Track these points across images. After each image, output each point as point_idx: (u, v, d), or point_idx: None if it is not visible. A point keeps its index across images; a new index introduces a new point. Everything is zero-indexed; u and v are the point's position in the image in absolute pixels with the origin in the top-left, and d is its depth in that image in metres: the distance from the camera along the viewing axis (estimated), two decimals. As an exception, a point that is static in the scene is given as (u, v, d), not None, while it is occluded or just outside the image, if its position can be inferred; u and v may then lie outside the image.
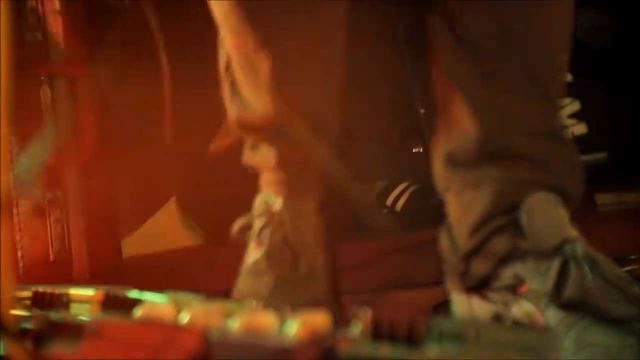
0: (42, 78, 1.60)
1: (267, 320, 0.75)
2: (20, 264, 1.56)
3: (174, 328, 0.76)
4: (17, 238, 1.57)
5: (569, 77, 2.22)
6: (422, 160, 2.10)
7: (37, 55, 1.59)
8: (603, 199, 2.07)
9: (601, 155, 2.19)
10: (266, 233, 1.31)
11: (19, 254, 1.57)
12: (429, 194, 2.07)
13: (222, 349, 0.72)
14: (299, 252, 1.29)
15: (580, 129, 2.21)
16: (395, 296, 1.43)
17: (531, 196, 1.18)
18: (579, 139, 2.19)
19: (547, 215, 1.19)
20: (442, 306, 1.35)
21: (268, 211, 1.31)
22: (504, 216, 1.18)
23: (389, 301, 1.41)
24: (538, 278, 1.14)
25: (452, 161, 1.24)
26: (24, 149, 1.58)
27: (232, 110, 1.34)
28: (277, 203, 1.31)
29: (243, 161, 1.37)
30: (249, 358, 0.71)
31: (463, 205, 1.22)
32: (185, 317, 0.78)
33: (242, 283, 1.30)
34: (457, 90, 1.23)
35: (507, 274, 1.16)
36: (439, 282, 1.48)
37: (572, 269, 1.15)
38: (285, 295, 1.25)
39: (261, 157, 1.33)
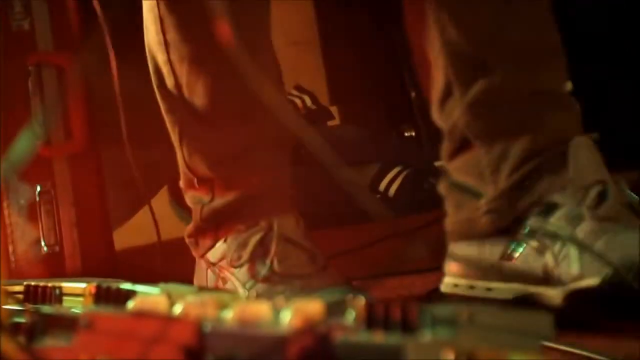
0: (29, 68, 1.59)
1: (260, 309, 0.74)
2: (12, 258, 1.56)
3: (168, 320, 0.75)
4: (8, 232, 1.57)
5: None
6: (415, 144, 2.10)
7: (24, 44, 1.58)
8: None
9: (594, 137, 2.19)
10: (264, 248, 1.32)
11: (10, 248, 1.56)
12: (422, 178, 2.07)
13: (216, 340, 0.72)
14: (312, 249, 1.32)
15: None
16: (388, 282, 1.43)
17: (577, 138, 1.34)
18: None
19: (590, 155, 1.34)
20: (436, 292, 1.35)
21: (260, 228, 1.32)
22: (540, 157, 1.29)
23: (382, 287, 1.41)
24: (575, 202, 1.23)
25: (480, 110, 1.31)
26: (12, 140, 1.57)
27: (195, 152, 1.36)
28: (265, 224, 1.33)
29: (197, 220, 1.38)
30: (244, 348, 0.70)
31: (498, 151, 1.31)
32: (178, 309, 0.78)
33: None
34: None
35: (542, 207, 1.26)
36: (432, 267, 1.48)
37: (611, 190, 1.26)
38: (310, 290, 1.27)
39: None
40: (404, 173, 2.10)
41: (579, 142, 1.34)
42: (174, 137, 1.37)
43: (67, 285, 0.99)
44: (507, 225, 1.27)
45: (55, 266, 1.57)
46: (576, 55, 2.22)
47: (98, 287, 0.91)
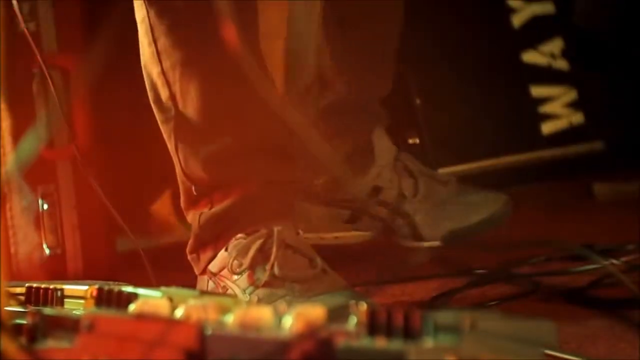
0: (34, 70, 1.59)
1: (262, 314, 0.74)
2: (14, 260, 1.56)
3: (169, 322, 0.75)
4: (10, 234, 1.56)
5: (565, 66, 2.22)
6: (418, 151, 2.10)
7: (29, 47, 1.58)
8: (600, 188, 2.07)
9: (598, 145, 2.19)
10: (264, 254, 1.32)
11: (12, 250, 1.56)
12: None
13: (218, 344, 0.72)
14: (311, 254, 1.34)
15: (577, 118, 2.20)
16: (390, 289, 1.43)
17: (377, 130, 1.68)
18: (576, 128, 2.19)
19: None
20: (439, 299, 1.34)
21: (260, 235, 1.33)
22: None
23: (383, 294, 1.41)
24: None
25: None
26: (16, 142, 1.57)
27: (191, 155, 1.36)
28: (265, 232, 1.34)
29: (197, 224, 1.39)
30: (245, 352, 0.70)
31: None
32: (180, 312, 0.78)
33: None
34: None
35: None
36: (434, 275, 1.48)
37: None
38: (310, 294, 1.29)
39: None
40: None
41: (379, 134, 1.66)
42: (170, 147, 1.38)
43: (69, 288, 0.99)
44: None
45: (57, 268, 1.57)
46: (581, 64, 2.22)
47: (100, 290, 0.91)
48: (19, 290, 1.03)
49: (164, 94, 1.35)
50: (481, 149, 2.12)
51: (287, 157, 1.38)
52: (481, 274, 1.44)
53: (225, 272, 1.35)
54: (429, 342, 0.66)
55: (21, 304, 1.01)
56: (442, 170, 2.07)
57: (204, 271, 1.39)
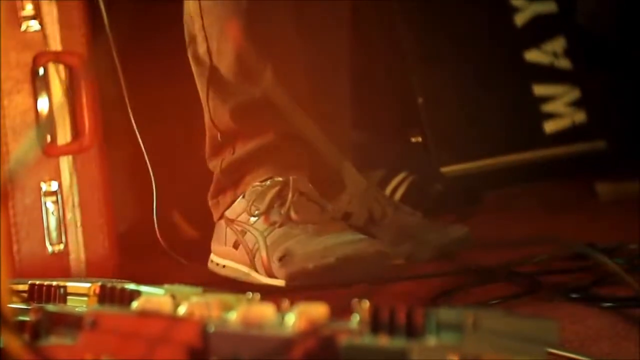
0: (38, 67, 1.59)
1: (265, 311, 0.74)
2: (17, 258, 1.56)
3: (172, 320, 0.75)
4: (13, 231, 1.56)
5: (568, 65, 2.22)
6: (421, 150, 2.10)
7: (33, 44, 1.58)
8: (603, 188, 2.07)
9: (601, 144, 2.19)
10: (281, 199, 1.45)
11: (15, 247, 1.56)
12: (428, 184, 2.07)
13: (221, 341, 0.72)
14: (323, 202, 1.47)
15: (579, 117, 2.20)
16: (392, 288, 1.43)
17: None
18: (578, 127, 2.19)
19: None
20: (441, 297, 1.34)
21: (276, 182, 1.46)
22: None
23: (386, 293, 1.41)
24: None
25: None
26: (19, 140, 1.57)
27: (220, 104, 1.50)
28: (281, 179, 1.46)
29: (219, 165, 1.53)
30: (248, 349, 0.70)
31: None
32: (182, 310, 0.78)
33: (273, 245, 1.42)
34: None
35: None
36: (437, 273, 1.48)
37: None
38: (323, 234, 1.41)
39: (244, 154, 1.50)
40: (410, 179, 2.09)
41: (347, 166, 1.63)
42: (202, 97, 1.50)
43: (72, 285, 0.99)
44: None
45: (60, 266, 1.57)
46: (583, 63, 2.22)
47: (102, 287, 0.91)
48: (21, 287, 1.03)
49: (201, 48, 1.47)
50: (484, 148, 2.12)
51: (305, 115, 1.47)
52: (483, 273, 1.44)
53: (243, 216, 1.47)
54: (431, 340, 0.66)
55: (24, 301, 1.01)
56: (445, 169, 2.07)
57: (222, 216, 1.51)
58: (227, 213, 1.50)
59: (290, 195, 1.44)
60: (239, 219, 1.48)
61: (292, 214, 1.43)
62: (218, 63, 1.47)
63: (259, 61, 1.45)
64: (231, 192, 1.50)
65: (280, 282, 1.42)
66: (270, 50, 1.47)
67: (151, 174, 1.57)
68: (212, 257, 1.56)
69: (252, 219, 1.46)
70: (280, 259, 1.41)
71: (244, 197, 1.48)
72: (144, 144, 1.56)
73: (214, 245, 1.55)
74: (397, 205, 1.68)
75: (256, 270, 1.46)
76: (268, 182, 1.47)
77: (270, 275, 1.43)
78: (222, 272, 1.53)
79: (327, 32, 1.63)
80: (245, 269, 1.48)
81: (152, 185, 1.58)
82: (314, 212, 1.45)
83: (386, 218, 1.61)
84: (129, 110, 1.55)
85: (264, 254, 1.44)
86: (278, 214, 1.44)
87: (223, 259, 1.52)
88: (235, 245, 1.49)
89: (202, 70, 1.49)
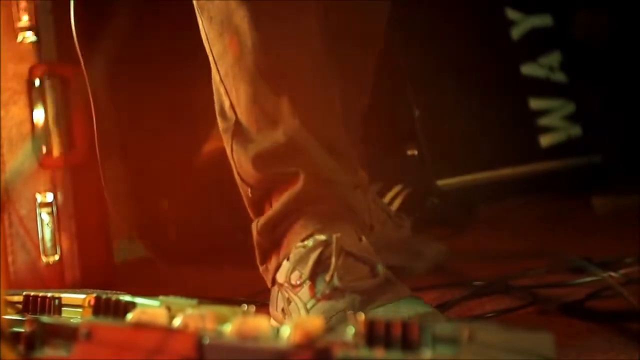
0: (34, 79, 1.59)
1: (260, 324, 0.74)
2: (12, 269, 1.55)
3: (167, 332, 0.75)
4: (8, 242, 1.56)
5: (564, 78, 2.23)
6: (417, 163, 2.10)
7: (29, 55, 1.58)
8: (599, 201, 2.07)
9: (596, 158, 2.19)
10: (324, 264, 1.27)
11: (10, 258, 1.56)
12: (424, 197, 2.07)
13: (215, 353, 0.71)
14: (372, 261, 1.28)
15: (575, 131, 2.20)
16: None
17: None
18: (574, 141, 2.19)
19: None
20: (437, 309, 1.34)
21: (319, 242, 1.28)
22: None
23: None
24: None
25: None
26: (15, 151, 1.57)
27: (243, 155, 1.33)
28: (323, 235, 1.28)
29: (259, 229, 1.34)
30: (242, 362, 0.70)
31: None
32: (178, 322, 0.78)
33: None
34: None
35: None
36: (433, 285, 1.48)
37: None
38: (374, 303, 1.23)
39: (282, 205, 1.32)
40: (406, 191, 2.09)
41: None
42: (228, 153, 1.35)
43: (67, 296, 0.98)
44: None
45: (55, 277, 1.57)
46: (579, 77, 2.23)
47: (97, 298, 0.90)
48: (16, 298, 1.03)
49: (226, 103, 1.34)
50: (480, 161, 2.12)
51: (339, 154, 1.33)
52: (479, 286, 1.44)
53: (287, 283, 1.30)
54: (427, 353, 0.66)
55: (19, 312, 1.01)
56: (441, 182, 2.07)
57: (274, 281, 1.34)
58: (277, 276, 1.33)
59: (333, 260, 1.26)
60: (286, 284, 1.31)
61: (336, 282, 1.25)
62: (240, 116, 1.32)
63: (277, 99, 1.30)
64: (275, 254, 1.33)
65: None
66: (292, 80, 1.33)
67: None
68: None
69: (297, 288, 1.29)
70: None
71: (288, 260, 1.30)
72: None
73: (270, 308, 1.37)
74: (386, 215, 1.59)
75: None
76: (310, 242, 1.29)
77: None
78: None
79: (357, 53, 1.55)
80: None
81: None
82: (362, 276, 1.26)
83: (372, 234, 1.45)
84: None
85: None
86: (323, 282, 1.26)
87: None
88: (283, 313, 1.32)
89: (227, 125, 1.34)
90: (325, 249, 1.27)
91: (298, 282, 1.28)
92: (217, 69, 1.33)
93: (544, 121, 2.19)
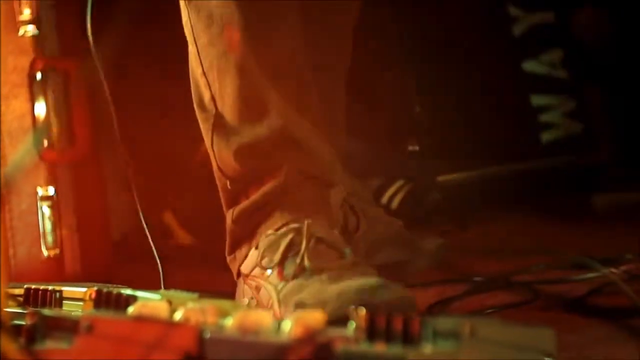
0: (35, 73, 1.59)
1: (261, 318, 0.74)
2: (13, 262, 1.55)
3: (168, 325, 0.75)
4: (9, 235, 1.56)
5: (565, 75, 2.22)
6: (418, 158, 2.10)
7: (30, 49, 1.58)
8: (600, 199, 2.07)
9: (597, 155, 2.19)
10: (294, 249, 1.29)
11: (11, 251, 1.56)
12: (424, 192, 2.07)
13: (216, 346, 0.71)
14: (342, 247, 1.30)
15: (575, 128, 2.20)
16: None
17: None
18: (574, 138, 2.19)
19: None
20: (438, 306, 1.34)
21: (290, 230, 1.30)
22: None
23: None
24: None
25: None
26: (16, 144, 1.57)
27: (224, 148, 1.35)
28: (294, 226, 1.30)
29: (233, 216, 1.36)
30: (244, 355, 0.70)
31: None
32: (179, 315, 0.78)
33: (285, 299, 1.27)
34: None
35: None
36: (433, 281, 1.48)
37: None
38: (341, 281, 1.25)
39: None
40: (407, 187, 2.09)
41: None
42: (207, 144, 1.38)
43: (68, 289, 0.99)
44: None
45: (56, 270, 1.57)
46: (580, 74, 2.23)
47: (98, 292, 0.91)
48: (17, 291, 1.03)
49: (206, 95, 1.35)
50: (481, 157, 2.12)
51: (316, 152, 1.35)
52: (480, 282, 1.44)
53: (256, 270, 1.32)
54: (428, 348, 0.66)
55: (20, 305, 1.01)
56: (441, 178, 2.07)
57: (239, 273, 1.36)
58: (242, 268, 1.35)
59: (304, 243, 1.28)
60: (252, 273, 1.32)
61: (307, 263, 1.27)
62: (222, 108, 1.34)
63: (263, 93, 1.32)
64: (247, 244, 1.35)
65: None
66: (277, 77, 1.34)
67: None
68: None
69: (268, 272, 1.30)
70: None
71: (256, 248, 1.32)
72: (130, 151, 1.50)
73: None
74: (374, 214, 1.54)
75: None
76: (282, 230, 1.31)
77: None
78: None
79: (330, 42, 1.57)
80: None
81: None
82: (331, 259, 1.29)
83: (359, 230, 1.46)
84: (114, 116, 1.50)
85: (277, 310, 1.29)
86: (292, 265, 1.28)
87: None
88: (252, 303, 1.33)
89: (206, 116, 1.36)
90: (297, 235, 1.29)
91: (268, 266, 1.29)
92: (201, 60, 1.34)
93: (545, 118, 2.18)
